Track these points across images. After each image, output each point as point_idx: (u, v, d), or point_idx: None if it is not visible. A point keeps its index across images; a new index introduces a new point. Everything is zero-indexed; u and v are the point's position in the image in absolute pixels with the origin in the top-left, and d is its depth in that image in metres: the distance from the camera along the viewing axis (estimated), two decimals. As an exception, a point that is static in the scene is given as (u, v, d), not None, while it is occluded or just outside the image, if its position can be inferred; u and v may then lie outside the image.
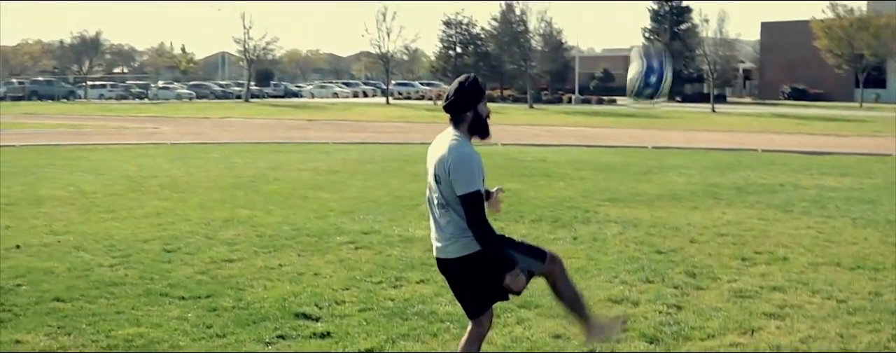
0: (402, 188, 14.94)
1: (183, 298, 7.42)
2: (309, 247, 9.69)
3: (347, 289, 7.73)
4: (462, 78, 4.83)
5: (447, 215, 4.74)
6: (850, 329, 6.60)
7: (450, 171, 4.60)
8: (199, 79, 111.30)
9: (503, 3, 75.59)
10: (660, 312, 7.00)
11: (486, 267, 4.69)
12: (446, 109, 4.76)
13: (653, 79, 5.79)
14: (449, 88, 4.81)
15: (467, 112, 4.73)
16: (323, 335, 6.37)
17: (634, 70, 5.85)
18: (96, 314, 6.91)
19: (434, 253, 4.94)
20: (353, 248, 9.67)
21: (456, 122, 4.75)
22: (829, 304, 7.37)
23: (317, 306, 7.15)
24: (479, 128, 4.77)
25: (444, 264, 4.91)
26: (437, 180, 4.70)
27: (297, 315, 6.85)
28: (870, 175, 18.26)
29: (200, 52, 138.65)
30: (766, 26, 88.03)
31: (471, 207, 4.58)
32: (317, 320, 6.77)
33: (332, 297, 7.43)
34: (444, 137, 4.75)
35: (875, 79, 75.59)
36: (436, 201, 4.79)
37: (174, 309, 7.07)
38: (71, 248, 9.58)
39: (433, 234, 4.93)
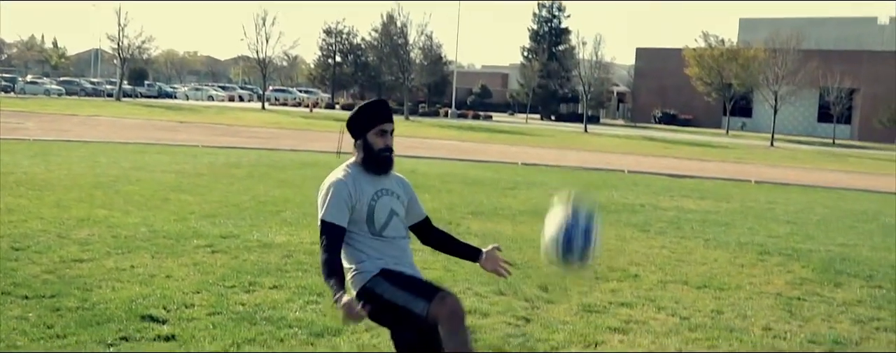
0: (267, 194, 14.80)
1: (26, 297, 7.17)
2: (164, 249, 9.50)
3: (198, 292, 7.61)
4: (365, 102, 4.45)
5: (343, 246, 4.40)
6: (690, 345, 6.81)
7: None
8: (70, 75, 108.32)
9: (384, 14, 75.67)
10: (508, 324, 7.09)
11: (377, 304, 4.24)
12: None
13: (577, 241, 4.46)
14: None
15: (357, 140, 4.42)
16: (168, 338, 6.24)
17: (555, 227, 4.51)
18: (-71, 311, 6.64)
19: None
20: (209, 252, 9.52)
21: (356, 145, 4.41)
22: (672, 320, 7.60)
23: (165, 308, 7.01)
24: (367, 160, 4.41)
25: None
26: None
27: (143, 317, 6.70)
28: (727, 199, 18.89)
29: (73, 48, 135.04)
30: (640, 52, 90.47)
31: (319, 234, 4.32)
32: (163, 322, 6.63)
33: (182, 300, 7.30)
34: None
35: (742, 108, 78.47)
36: None
37: (15, 308, 6.84)
38: (-89, 242, 9.19)
39: None
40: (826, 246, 12.61)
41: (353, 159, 4.45)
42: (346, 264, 4.39)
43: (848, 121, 76.97)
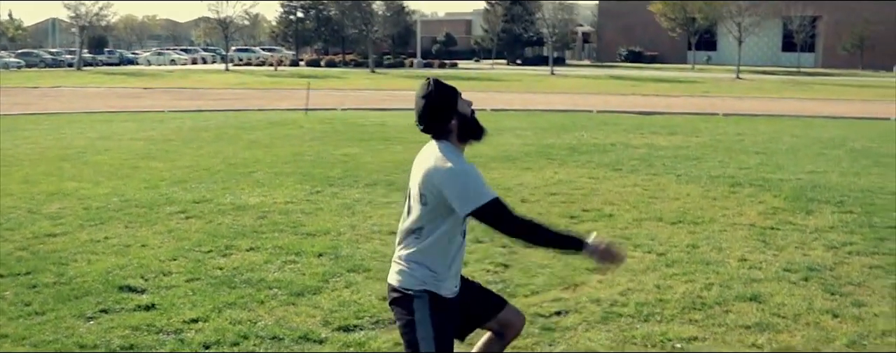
0: (237, 156, 14.72)
1: (1, 275, 7.13)
2: (137, 218, 9.45)
3: (175, 260, 7.59)
4: (423, 89, 3.78)
5: (416, 240, 3.81)
6: (667, 281, 6.88)
7: (441, 186, 3.66)
8: (28, 47, 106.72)
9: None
10: (487, 271, 7.13)
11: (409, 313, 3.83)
12: (426, 131, 3.82)
13: None
14: (415, 105, 3.80)
15: (451, 122, 3.77)
16: (148, 307, 6.22)
17: None
18: None
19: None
20: (183, 218, 9.48)
21: (442, 136, 3.79)
22: (649, 257, 7.67)
23: (142, 278, 6.99)
24: (470, 130, 3.82)
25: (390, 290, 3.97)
26: (422, 202, 3.74)
27: (121, 288, 6.68)
28: (696, 134, 18.99)
29: (29, 19, 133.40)
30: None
31: (494, 219, 3.67)
32: (142, 292, 6.62)
33: (159, 268, 7.28)
34: (430, 152, 3.80)
35: (707, 41, 78.59)
36: (411, 225, 3.82)
37: (-9, 287, 6.80)
38: None
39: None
40: (796, 175, 12.73)
41: (445, 144, 3.79)
42: (425, 265, 3.81)
43: (811, 49, 77.23)
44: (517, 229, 3.71)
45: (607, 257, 3.69)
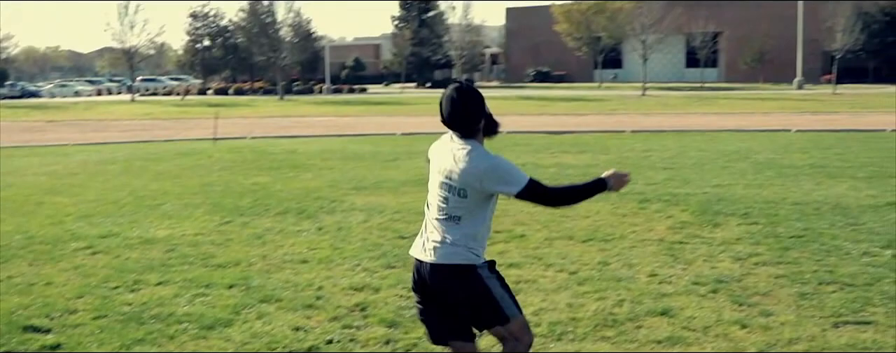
0: (145, 188, 14.47)
1: None
2: (42, 256, 9.21)
3: (81, 297, 7.40)
4: (454, 93, 4.23)
5: (456, 225, 4.26)
6: (579, 299, 6.94)
7: (483, 180, 4.13)
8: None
9: (250, -7, 74.51)
10: (400, 296, 7.10)
11: (472, 291, 4.27)
12: (457, 130, 4.27)
13: None
14: (444, 106, 4.24)
15: (481, 122, 4.26)
16: (53, 347, 6.07)
17: None
18: None
19: (420, 256, 4.40)
20: (89, 253, 9.27)
21: (471, 135, 4.25)
22: (561, 276, 7.73)
23: (47, 317, 6.81)
24: (492, 127, 4.33)
25: (428, 270, 4.35)
26: (462, 195, 4.20)
27: (25, 329, 6.49)
28: (605, 151, 19.26)
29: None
30: (510, 12, 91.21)
31: (537, 194, 4.16)
32: (47, 332, 6.44)
33: (65, 306, 7.10)
34: (460, 151, 4.23)
35: (613, 60, 79.91)
36: (449, 213, 4.27)
37: None
38: None
39: (424, 238, 4.41)
40: (702, 188, 12.97)
41: (474, 142, 4.25)
42: (476, 243, 4.28)
43: (714, 64, 78.97)
44: (555, 198, 4.30)
45: (621, 183, 4.38)
